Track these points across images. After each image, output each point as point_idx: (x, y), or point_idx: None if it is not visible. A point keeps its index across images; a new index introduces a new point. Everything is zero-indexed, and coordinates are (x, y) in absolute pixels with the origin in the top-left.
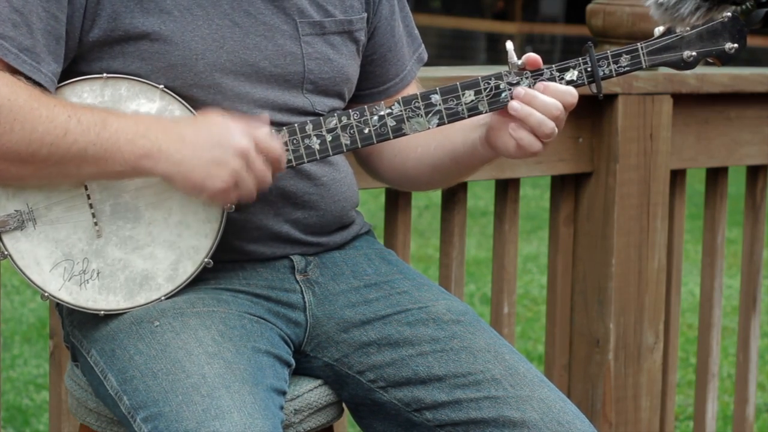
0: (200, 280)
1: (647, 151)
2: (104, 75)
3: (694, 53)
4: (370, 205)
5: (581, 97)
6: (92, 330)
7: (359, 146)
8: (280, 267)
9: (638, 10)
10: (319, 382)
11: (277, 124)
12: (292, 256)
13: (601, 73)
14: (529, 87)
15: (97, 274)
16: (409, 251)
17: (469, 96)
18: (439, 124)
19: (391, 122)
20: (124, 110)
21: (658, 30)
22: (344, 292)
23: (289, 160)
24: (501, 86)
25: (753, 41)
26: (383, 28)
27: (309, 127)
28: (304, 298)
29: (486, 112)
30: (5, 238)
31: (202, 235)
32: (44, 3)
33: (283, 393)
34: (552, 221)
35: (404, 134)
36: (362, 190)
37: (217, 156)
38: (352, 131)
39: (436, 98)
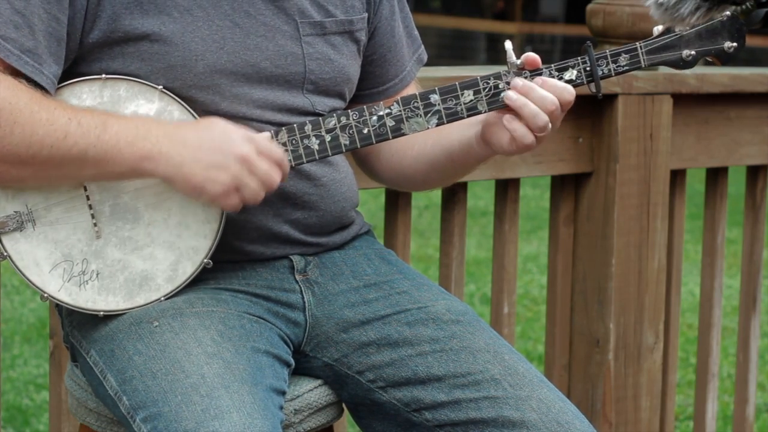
0: (200, 280)
1: (647, 151)
2: (103, 76)
3: (693, 52)
4: (370, 205)
5: (581, 97)
6: (92, 330)
7: (358, 146)
8: (279, 267)
9: (638, 10)
10: (318, 382)
11: (277, 125)
12: (291, 256)
13: (600, 73)
14: None
15: (97, 274)
16: (409, 251)
17: (468, 96)
18: (438, 124)
19: (390, 122)
20: (122, 111)
21: (657, 29)
22: (344, 292)
23: (289, 161)
24: (500, 86)
25: (753, 41)
26: (383, 29)
27: (308, 128)
28: (303, 298)
29: (485, 112)
30: (5, 240)
31: (201, 236)
32: (46, 5)
33: (283, 393)
34: (552, 221)
35: (403, 134)
36: (362, 190)
37: (217, 160)
38: (351, 131)
39: (435, 98)
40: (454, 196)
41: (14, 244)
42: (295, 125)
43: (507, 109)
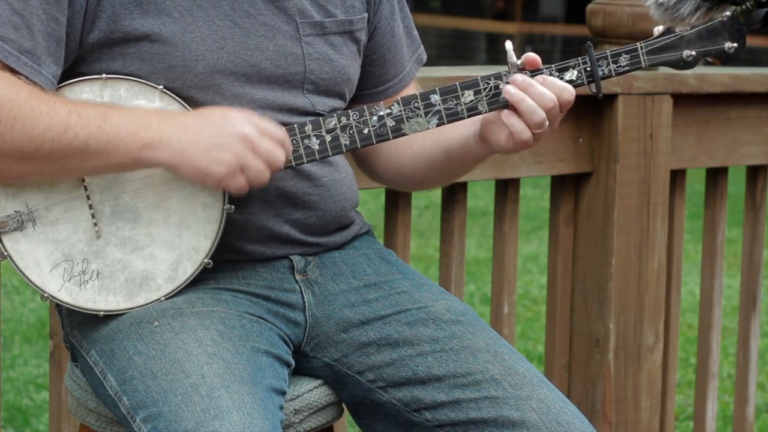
0: (200, 280)
1: (647, 151)
2: (103, 76)
3: (693, 53)
4: (370, 205)
5: (581, 97)
6: (92, 330)
7: (359, 146)
8: (279, 267)
9: (638, 10)
10: (318, 382)
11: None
12: (291, 257)
13: (600, 73)
14: None
15: (97, 274)
16: (409, 251)
17: (468, 96)
18: (438, 125)
19: (390, 122)
20: None
21: (658, 29)
22: (344, 292)
23: (289, 161)
24: (500, 86)
25: (753, 41)
26: (383, 29)
27: (308, 128)
28: (303, 298)
29: (485, 112)
30: (5, 239)
31: (201, 236)
32: (45, 5)
33: (283, 393)
34: (552, 221)
35: (403, 134)
36: (362, 190)
37: (219, 141)
38: (351, 132)
39: (435, 98)
40: (454, 196)
41: (14, 244)
42: (295, 125)
43: (506, 108)
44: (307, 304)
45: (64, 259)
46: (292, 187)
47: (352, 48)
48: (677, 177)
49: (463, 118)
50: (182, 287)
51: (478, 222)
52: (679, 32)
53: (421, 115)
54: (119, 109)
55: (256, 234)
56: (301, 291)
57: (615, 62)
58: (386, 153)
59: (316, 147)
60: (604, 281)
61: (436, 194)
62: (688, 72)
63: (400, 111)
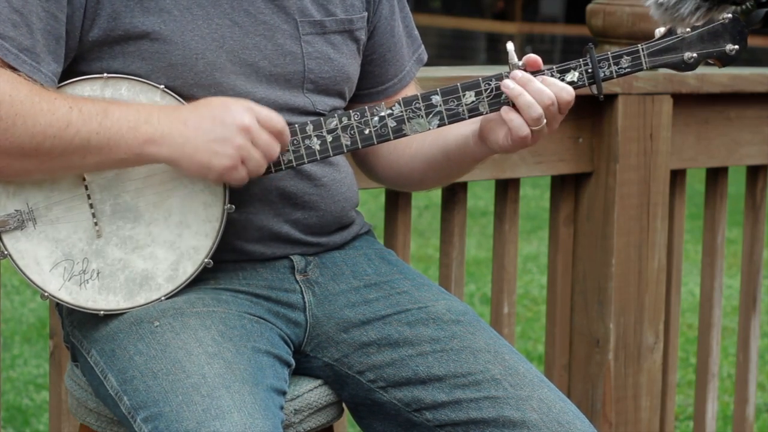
0: (200, 280)
1: (647, 151)
2: (104, 75)
3: (694, 54)
4: (370, 205)
5: (581, 98)
6: (92, 330)
7: (360, 147)
8: (280, 267)
9: (638, 10)
10: (319, 382)
11: None
12: (292, 256)
13: (601, 75)
14: None
15: (97, 274)
16: (409, 251)
17: (469, 97)
18: (439, 125)
19: (391, 123)
20: None
21: (659, 31)
22: (344, 292)
23: (290, 161)
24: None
25: (753, 41)
26: (383, 28)
27: (309, 128)
28: (303, 298)
29: (486, 113)
30: (5, 238)
31: (202, 235)
32: (44, 3)
33: (283, 393)
34: (552, 221)
35: (405, 135)
36: (362, 190)
37: (220, 134)
38: (352, 132)
39: (436, 99)
40: (454, 196)
41: (15, 243)
42: (296, 125)
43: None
44: (307, 304)
45: (64, 259)
46: (293, 187)
47: (352, 47)
48: (677, 177)
49: (464, 119)
50: (182, 287)
51: (478, 222)
52: (680, 34)
53: (422, 116)
54: (120, 104)
55: (257, 234)
56: (302, 291)
57: (616, 64)
58: (385, 153)
59: (317, 147)
60: (604, 281)
61: (436, 194)
62: (688, 72)
63: (402, 111)
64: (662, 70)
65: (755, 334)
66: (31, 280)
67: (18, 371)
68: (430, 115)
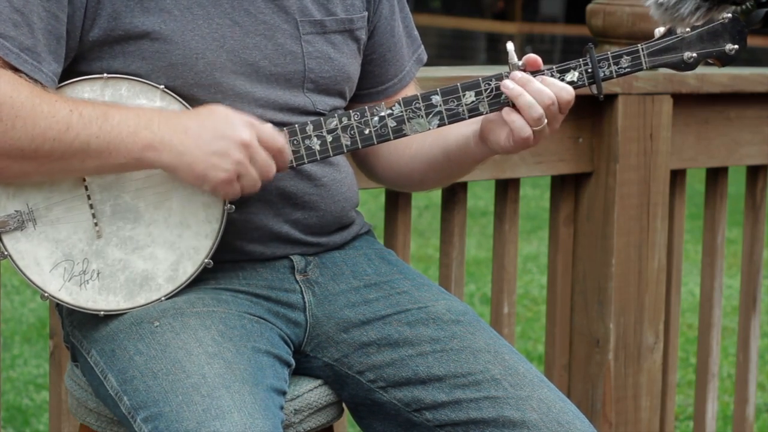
0: (200, 280)
1: (647, 151)
2: (104, 75)
3: (694, 54)
4: (370, 205)
5: (581, 98)
6: (92, 330)
7: (360, 147)
8: (280, 267)
9: (638, 10)
10: (319, 382)
11: (278, 124)
12: (292, 256)
13: (601, 74)
14: None
15: (97, 274)
16: (409, 251)
17: (469, 97)
18: (439, 125)
19: (391, 123)
20: None
21: (659, 31)
22: (344, 292)
23: (290, 161)
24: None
25: (753, 41)
26: (383, 28)
27: (309, 128)
28: (303, 298)
29: (486, 113)
30: (5, 239)
31: (202, 236)
32: (45, 2)
33: (283, 393)
34: (552, 221)
35: (405, 135)
36: (362, 190)
37: (219, 147)
38: (352, 132)
39: (436, 99)
40: (454, 196)
41: (15, 244)
42: (296, 125)
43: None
44: (307, 304)
45: (64, 259)
46: (293, 187)
47: (353, 47)
48: (677, 177)
49: (464, 119)
50: (182, 287)
51: (478, 222)
52: (680, 34)
53: (422, 116)
54: (120, 108)
55: (257, 234)
56: (302, 291)
57: (616, 64)
58: (385, 153)
59: (317, 147)
60: (604, 281)
61: (436, 194)
62: (688, 72)
63: (402, 111)
64: (662, 70)
65: (755, 334)
66: (31, 281)
67: (18, 371)
68: (430, 115)
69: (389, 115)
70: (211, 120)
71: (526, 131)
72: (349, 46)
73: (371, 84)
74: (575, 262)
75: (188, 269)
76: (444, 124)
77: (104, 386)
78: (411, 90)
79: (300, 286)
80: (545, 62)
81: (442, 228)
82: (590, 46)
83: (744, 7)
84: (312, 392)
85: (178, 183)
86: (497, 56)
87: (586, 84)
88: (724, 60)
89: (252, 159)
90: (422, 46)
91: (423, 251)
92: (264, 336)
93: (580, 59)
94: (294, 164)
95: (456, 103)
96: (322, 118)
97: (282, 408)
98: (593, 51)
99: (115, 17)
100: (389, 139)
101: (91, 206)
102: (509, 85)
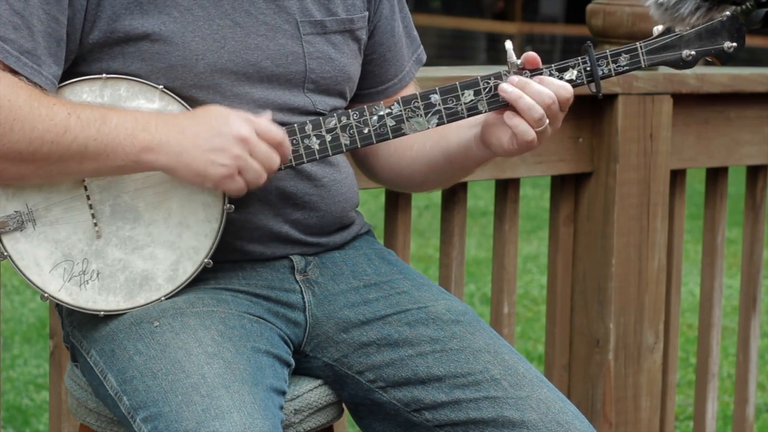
0: (200, 280)
1: (647, 151)
2: (103, 75)
3: (692, 52)
4: (370, 205)
5: (581, 97)
6: (92, 330)
7: (359, 146)
8: (279, 267)
9: (638, 10)
10: (318, 382)
11: (278, 124)
12: (291, 256)
13: (600, 73)
14: None
15: (97, 274)
16: (409, 251)
17: (468, 96)
18: (438, 124)
19: (390, 122)
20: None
21: (657, 29)
22: (344, 292)
23: (289, 160)
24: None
25: (753, 41)
26: (383, 28)
27: (308, 128)
28: (303, 298)
29: (485, 112)
30: (5, 239)
31: (202, 236)
32: (45, 5)
33: (283, 393)
34: (552, 221)
35: (404, 134)
36: (362, 190)
37: (217, 143)
38: (351, 131)
39: (435, 98)
40: (454, 196)
41: (14, 244)
42: (295, 125)
43: (506, 108)
44: (307, 304)
45: (64, 259)
46: (293, 187)
47: (353, 47)
48: (677, 177)
49: (463, 118)
50: (182, 287)
51: (478, 222)
52: (678, 32)
53: (421, 115)
54: (118, 110)
55: (257, 234)
56: (302, 291)
57: (615, 62)
58: (386, 154)
59: (316, 147)
60: (604, 281)
61: (436, 194)
62: (688, 72)
63: (401, 111)
64: (662, 70)
65: (755, 334)
66: (31, 281)
67: (18, 371)
68: (429, 114)
69: (388, 114)
70: (207, 118)
71: (530, 134)
72: (349, 47)
73: (371, 84)
74: (575, 262)
75: (188, 269)
76: (443, 123)
77: (104, 386)
78: (411, 90)
79: (300, 286)
80: (545, 62)
81: (442, 228)
82: (589, 44)
83: (744, 7)
84: (312, 392)
85: (178, 183)
86: (497, 56)
87: (585, 82)
88: (723, 58)
89: (252, 152)
90: (422, 47)
91: (423, 251)
92: (264, 336)
93: (579, 58)
94: (293, 164)
95: (455, 102)
96: (321, 118)
97: (282, 408)
98: (592, 49)
99: (114, 19)
100: (388, 138)
101: (90, 206)
102: (507, 89)
